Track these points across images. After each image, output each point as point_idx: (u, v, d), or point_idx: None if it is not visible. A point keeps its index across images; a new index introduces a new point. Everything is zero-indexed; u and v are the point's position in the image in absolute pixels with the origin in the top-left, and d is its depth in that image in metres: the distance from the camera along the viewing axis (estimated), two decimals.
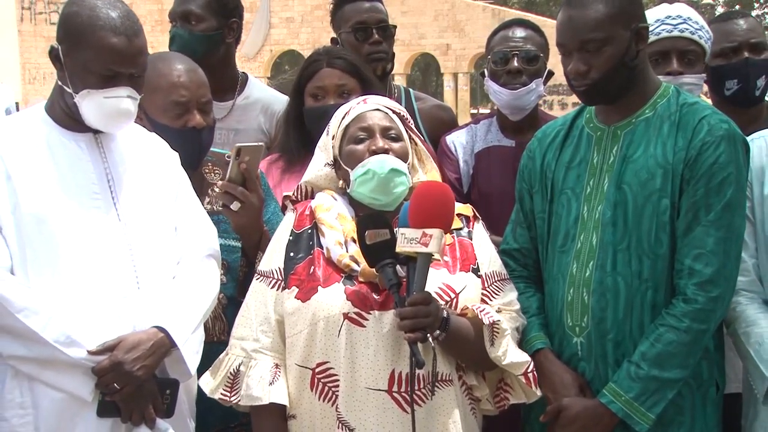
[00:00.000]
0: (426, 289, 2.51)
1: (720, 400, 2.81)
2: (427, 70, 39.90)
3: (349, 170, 2.70)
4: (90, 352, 2.53)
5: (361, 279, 2.61)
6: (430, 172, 2.85)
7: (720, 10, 40.87)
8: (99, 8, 2.57)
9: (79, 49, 2.57)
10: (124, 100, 2.59)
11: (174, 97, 2.98)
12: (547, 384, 2.74)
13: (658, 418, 2.65)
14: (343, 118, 2.78)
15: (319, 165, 2.82)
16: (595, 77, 2.69)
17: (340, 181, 2.78)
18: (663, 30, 3.22)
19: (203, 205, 3.03)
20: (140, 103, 2.98)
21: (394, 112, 2.78)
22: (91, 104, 2.58)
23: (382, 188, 2.67)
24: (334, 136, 2.78)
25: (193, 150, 3.03)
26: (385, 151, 2.67)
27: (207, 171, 3.14)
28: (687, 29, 3.24)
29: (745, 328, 2.80)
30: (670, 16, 3.27)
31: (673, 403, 2.67)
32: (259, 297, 2.72)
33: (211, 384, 2.73)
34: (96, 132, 2.68)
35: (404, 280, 2.53)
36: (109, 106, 2.58)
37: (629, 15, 2.69)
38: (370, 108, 2.76)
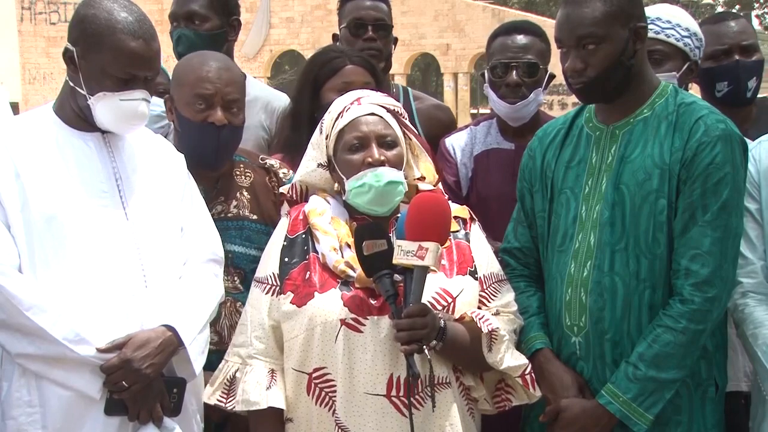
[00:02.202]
0: (423, 299, 2.52)
1: (720, 400, 2.81)
2: (427, 70, 39.89)
3: (345, 178, 2.70)
4: (99, 350, 2.53)
5: (357, 285, 2.61)
6: (424, 164, 2.84)
7: (720, 10, 40.84)
8: (116, 11, 2.58)
9: (96, 52, 2.57)
10: (140, 103, 2.60)
11: (198, 90, 2.98)
12: (546, 384, 2.75)
13: (655, 417, 2.65)
14: (337, 119, 2.74)
15: (312, 164, 2.80)
16: (591, 75, 2.69)
17: (335, 184, 2.78)
18: None
19: (230, 207, 3.05)
20: (172, 97, 3.02)
21: (387, 110, 2.76)
22: (106, 107, 2.59)
23: (379, 200, 2.67)
24: (327, 136, 2.75)
25: (209, 146, 3.00)
26: (381, 163, 2.65)
27: (238, 174, 3.14)
28: (652, 29, 3.25)
29: (753, 329, 2.80)
30: None
31: (670, 402, 2.68)
32: (255, 303, 2.73)
33: (209, 391, 2.74)
34: (104, 132, 2.69)
35: (401, 287, 2.54)
36: (125, 109, 2.59)
37: (628, 14, 2.69)
38: (365, 112, 2.71)
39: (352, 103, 2.75)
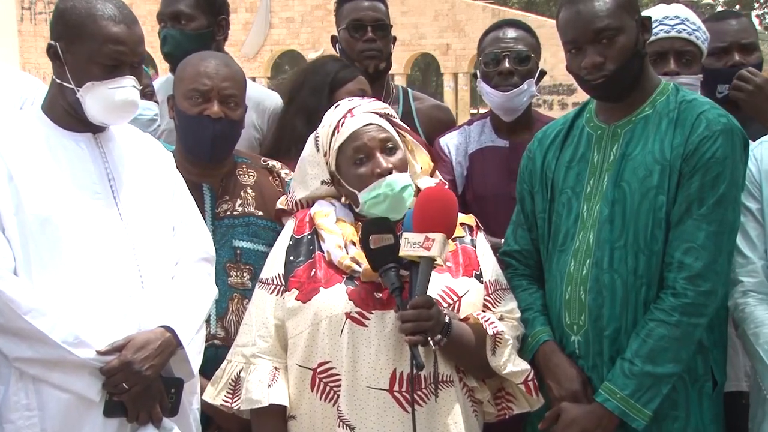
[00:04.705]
0: (428, 293, 2.52)
1: (718, 396, 2.82)
2: (427, 70, 39.91)
3: (356, 192, 2.69)
4: (99, 352, 2.53)
5: (363, 279, 2.61)
6: (420, 156, 2.85)
7: (720, 10, 40.79)
8: (94, 1, 2.59)
9: (81, 42, 2.57)
10: (129, 89, 2.60)
11: (195, 85, 3.01)
12: (551, 375, 2.76)
13: (653, 412, 2.65)
14: (333, 134, 2.73)
15: (315, 182, 2.79)
16: (611, 68, 2.69)
17: (343, 198, 2.77)
18: (660, 30, 3.23)
19: (236, 205, 3.07)
20: (173, 95, 3.06)
21: (379, 114, 2.76)
22: (95, 97, 2.58)
23: (395, 208, 2.67)
24: (326, 154, 2.75)
25: (205, 138, 3.00)
26: (390, 171, 2.66)
27: (241, 173, 3.15)
28: (684, 30, 3.25)
29: (753, 329, 2.80)
30: (667, 17, 3.28)
31: (667, 397, 2.68)
32: (259, 304, 2.74)
33: (212, 392, 2.74)
34: (95, 132, 2.68)
35: (407, 282, 2.54)
36: (114, 98, 2.59)
37: (633, 4, 2.73)
38: (361, 123, 2.71)
39: (345, 116, 2.74)
